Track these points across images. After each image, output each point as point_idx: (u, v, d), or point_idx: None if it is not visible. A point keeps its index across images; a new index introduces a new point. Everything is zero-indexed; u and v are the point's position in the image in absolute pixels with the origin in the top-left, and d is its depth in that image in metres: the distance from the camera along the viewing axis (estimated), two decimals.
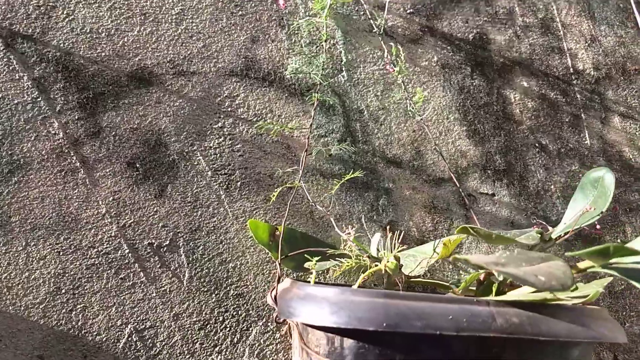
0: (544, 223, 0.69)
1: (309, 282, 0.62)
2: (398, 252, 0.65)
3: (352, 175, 0.70)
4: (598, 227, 0.64)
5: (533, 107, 1.08)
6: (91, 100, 0.80)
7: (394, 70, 0.93)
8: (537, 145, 1.05)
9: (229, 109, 0.87)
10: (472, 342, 0.47)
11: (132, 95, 0.83)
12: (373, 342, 0.46)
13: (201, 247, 0.77)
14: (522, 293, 0.49)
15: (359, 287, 0.57)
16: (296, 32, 0.96)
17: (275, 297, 0.55)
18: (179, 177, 0.80)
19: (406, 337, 0.46)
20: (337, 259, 0.64)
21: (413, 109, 0.92)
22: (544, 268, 0.44)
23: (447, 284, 0.64)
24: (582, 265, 0.51)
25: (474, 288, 0.62)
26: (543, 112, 1.08)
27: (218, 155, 0.83)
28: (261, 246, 0.79)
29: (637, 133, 1.13)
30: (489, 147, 1.01)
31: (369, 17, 1.02)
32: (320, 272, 0.79)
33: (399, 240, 0.84)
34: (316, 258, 0.62)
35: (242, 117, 0.87)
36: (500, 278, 0.51)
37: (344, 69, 0.96)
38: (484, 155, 1.00)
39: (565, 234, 0.61)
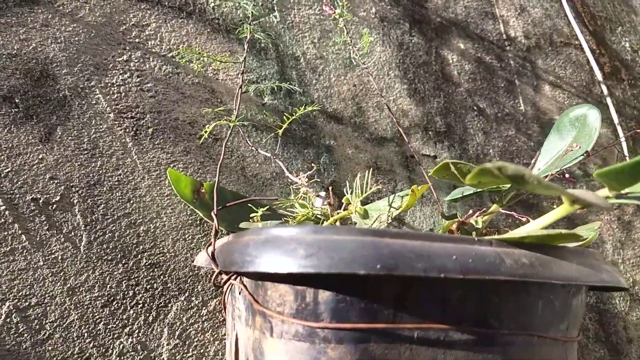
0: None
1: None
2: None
3: (295, 116, 0.57)
4: (567, 175, 0.58)
5: (470, 70, 1.03)
6: None
7: (334, 12, 0.82)
8: (475, 108, 0.99)
9: (137, 40, 0.70)
10: (475, 286, 0.37)
11: (10, 14, 0.63)
12: (357, 292, 0.34)
13: (102, 205, 0.61)
14: (533, 229, 0.41)
15: None
16: None
17: (213, 252, 0.42)
18: (71, 118, 0.62)
19: (401, 283, 0.35)
20: (287, 210, 0.51)
21: (357, 56, 0.82)
22: (579, 193, 0.35)
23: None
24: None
25: None
26: (480, 76, 1.03)
27: (123, 94, 0.67)
28: (180, 207, 0.64)
29: (565, 102, 1.13)
30: (430, 107, 0.93)
31: None
32: None
33: (344, 200, 0.73)
34: (262, 209, 0.49)
35: (153, 50, 0.71)
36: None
37: (275, 8, 0.83)
38: (425, 116, 0.92)
39: (545, 177, 0.54)
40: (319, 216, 0.53)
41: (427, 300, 0.36)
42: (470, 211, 0.53)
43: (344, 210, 0.52)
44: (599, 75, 1.20)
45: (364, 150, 0.83)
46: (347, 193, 0.53)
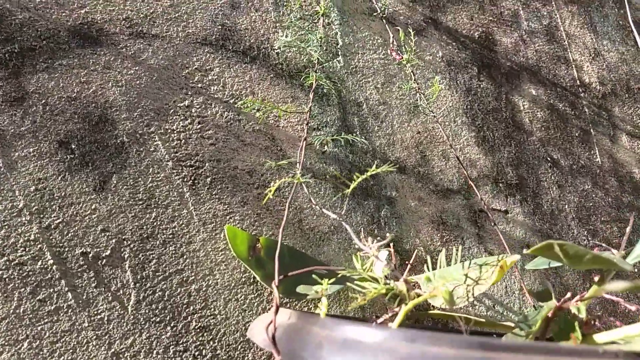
0: (605, 245, 0.55)
1: (316, 313, 0.44)
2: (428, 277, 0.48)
3: (364, 177, 0.52)
4: None
5: (543, 118, 0.96)
6: (16, 56, 0.59)
7: (401, 58, 0.78)
8: (548, 159, 0.92)
9: (200, 85, 0.68)
10: None
11: (72, 56, 0.62)
12: None
13: (154, 260, 0.57)
14: None
15: (399, 326, 0.39)
16: (285, 3, 0.79)
17: (273, 336, 0.37)
18: (128, 165, 0.60)
19: None
20: (353, 283, 0.46)
21: (424, 103, 0.77)
22: None
23: (506, 324, 0.48)
24: None
25: (534, 327, 0.46)
26: (553, 124, 0.96)
27: (183, 141, 0.64)
28: (234, 264, 0.60)
29: None
30: (500, 157, 0.87)
31: None
32: (312, 300, 0.61)
33: (410, 262, 0.67)
34: (327, 281, 0.44)
35: (215, 96, 0.68)
36: None
37: (340, 53, 0.80)
38: (495, 166, 0.86)
39: None
40: (388, 287, 0.47)
41: None
42: (569, 294, 0.46)
43: (419, 288, 0.46)
44: None
45: (428, 202, 0.77)
46: (426, 269, 0.47)
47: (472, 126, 0.87)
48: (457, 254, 0.48)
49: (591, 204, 0.92)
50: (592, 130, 1.00)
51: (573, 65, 1.06)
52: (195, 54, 0.69)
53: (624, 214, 0.94)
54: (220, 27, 0.73)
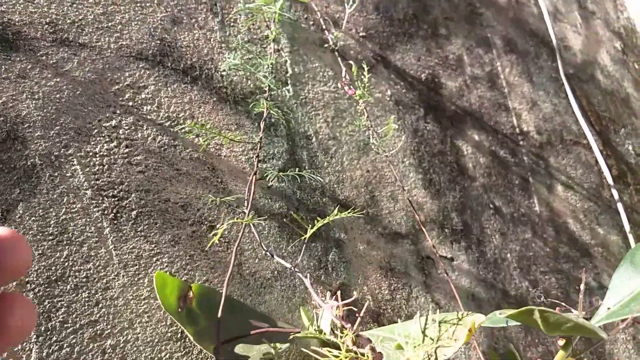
0: (566, 305, 0.52)
1: None
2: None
3: (323, 223, 0.46)
4: None
5: (485, 164, 0.95)
6: None
7: (354, 93, 0.74)
8: (491, 206, 0.91)
9: (130, 104, 0.60)
10: None
11: None
12: None
13: (63, 309, 0.47)
14: None
15: None
16: (232, 24, 0.73)
17: None
18: (39, 193, 0.50)
19: None
20: (309, 348, 0.39)
21: (376, 142, 0.73)
22: None
23: None
24: None
25: None
26: (495, 171, 0.96)
27: (106, 167, 0.55)
28: (159, 315, 0.51)
29: (577, 205, 1.06)
30: (446, 202, 0.85)
31: (321, 28, 0.84)
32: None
33: (360, 314, 0.61)
34: (281, 345, 0.37)
35: (148, 117, 0.60)
36: None
37: (289, 82, 0.75)
38: (441, 210, 0.83)
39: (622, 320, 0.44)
40: (352, 356, 0.41)
41: None
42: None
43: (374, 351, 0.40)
44: (608, 178, 1.15)
45: (377, 246, 0.72)
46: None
47: (419, 168, 0.84)
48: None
49: (531, 254, 0.91)
50: (530, 179, 1.01)
51: (513, 114, 1.08)
52: (128, 69, 0.61)
53: (560, 265, 0.95)
54: (158, 41, 0.65)
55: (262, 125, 0.55)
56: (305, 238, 0.43)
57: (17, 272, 0.20)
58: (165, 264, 0.54)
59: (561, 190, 1.06)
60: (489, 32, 1.17)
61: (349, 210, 0.42)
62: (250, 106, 0.66)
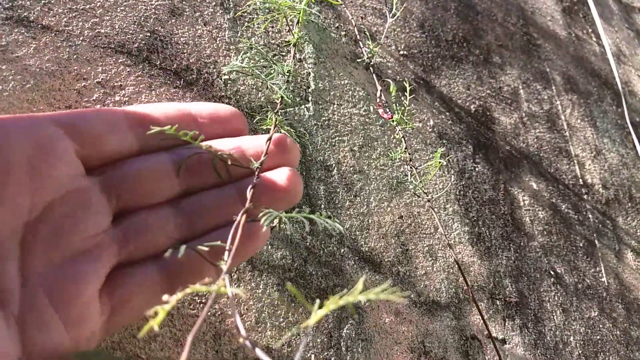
0: None
1: None
2: None
3: (332, 307, 0.29)
4: None
5: (545, 219, 0.78)
6: None
7: (390, 117, 0.59)
8: (552, 273, 0.73)
9: (98, 107, 0.45)
10: None
11: None
12: None
13: None
14: None
15: None
16: (246, 23, 0.59)
17: None
18: None
19: None
20: None
21: (415, 180, 0.56)
22: None
23: None
24: None
25: None
26: (556, 229, 0.78)
27: None
28: None
29: None
30: (498, 264, 0.67)
31: (354, 40, 0.69)
32: None
33: None
34: None
35: None
36: None
37: (310, 98, 0.60)
38: (492, 275, 0.65)
39: None
40: None
41: None
42: None
43: None
44: None
45: (408, 320, 0.54)
46: None
47: (466, 219, 0.67)
48: None
49: (598, 337, 0.72)
50: (596, 242, 0.83)
51: (575, 161, 0.91)
52: (102, 63, 0.47)
53: (633, 353, 0.75)
54: (148, 34, 0.51)
55: (265, 147, 0.39)
56: (309, 323, 0.26)
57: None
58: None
59: (632, 258, 0.87)
60: (548, 66, 1.01)
61: (382, 288, 0.26)
62: (255, 120, 0.51)
